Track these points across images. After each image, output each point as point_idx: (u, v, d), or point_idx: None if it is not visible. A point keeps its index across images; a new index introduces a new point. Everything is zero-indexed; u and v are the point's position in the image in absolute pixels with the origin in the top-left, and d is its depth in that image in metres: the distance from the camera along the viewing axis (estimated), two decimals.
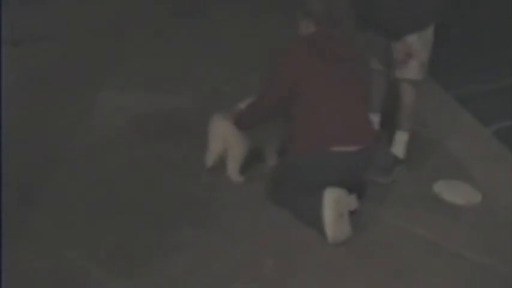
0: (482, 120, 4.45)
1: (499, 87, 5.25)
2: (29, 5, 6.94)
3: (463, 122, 4.43)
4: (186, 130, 4.10)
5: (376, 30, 3.47)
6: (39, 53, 5.73)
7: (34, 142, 3.91)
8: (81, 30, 6.38)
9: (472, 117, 4.51)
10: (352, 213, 3.01)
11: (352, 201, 3.04)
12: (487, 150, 4.04)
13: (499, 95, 5.05)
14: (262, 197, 3.24)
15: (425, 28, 3.45)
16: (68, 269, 2.71)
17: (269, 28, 5.82)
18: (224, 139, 3.35)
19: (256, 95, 3.21)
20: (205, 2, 7.34)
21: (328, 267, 2.78)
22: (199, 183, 3.43)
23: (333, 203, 2.87)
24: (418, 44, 3.44)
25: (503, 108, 4.73)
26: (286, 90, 3.00)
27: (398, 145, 3.62)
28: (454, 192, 3.39)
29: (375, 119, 3.75)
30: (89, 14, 6.97)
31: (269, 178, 3.28)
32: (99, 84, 4.90)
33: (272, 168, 3.43)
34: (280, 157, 3.40)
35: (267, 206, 3.18)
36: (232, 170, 3.39)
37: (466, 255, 2.90)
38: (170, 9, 7.12)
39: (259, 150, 3.52)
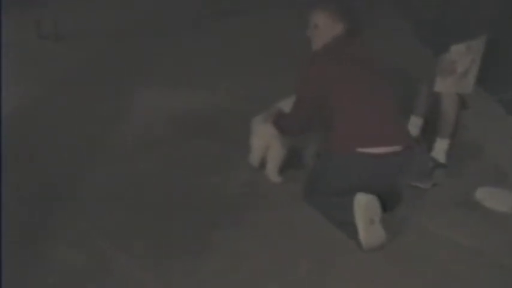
0: None
1: None
2: (73, 1, 7.05)
3: (507, 127, 4.32)
4: (223, 129, 4.11)
5: (424, 38, 3.43)
6: (81, 49, 5.83)
7: (72, 136, 3.97)
8: (122, 29, 6.47)
9: None
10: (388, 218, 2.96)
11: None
12: None
13: None
14: (299, 197, 3.22)
15: (475, 38, 3.37)
16: (103, 262, 2.75)
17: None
18: (265, 140, 3.35)
19: (292, 103, 3.17)
20: (245, 2, 7.35)
21: (363, 272, 2.74)
22: (235, 182, 3.44)
23: (363, 209, 2.84)
24: (465, 55, 3.37)
25: None
26: (316, 100, 2.98)
27: (439, 151, 3.57)
28: (496, 200, 3.31)
29: (418, 122, 3.71)
30: (130, 11, 7.05)
31: (305, 179, 3.26)
32: (138, 81, 4.96)
33: (309, 167, 3.40)
34: (316, 159, 3.38)
35: (304, 207, 3.15)
36: (272, 170, 3.40)
37: (506, 263, 2.82)
38: (209, 8, 7.16)
39: (299, 151, 3.51)
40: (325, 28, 3.08)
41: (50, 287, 2.57)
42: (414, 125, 3.76)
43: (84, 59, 5.56)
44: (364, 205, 2.84)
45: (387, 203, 2.98)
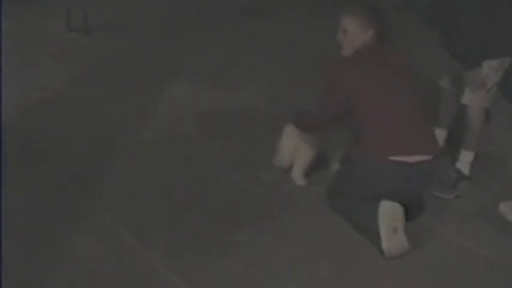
0: None
1: None
2: None
3: None
4: (249, 129, 4.14)
5: (455, 51, 3.43)
6: (109, 42, 5.88)
7: (97, 129, 4.03)
8: (152, 23, 6.51)
9: None
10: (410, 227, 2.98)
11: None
12: None
13: None
14: (323, 201, 3.24)
15: (508, 56, 3.38)
16: (124, 256, 2.79)
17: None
18: (294, 143, 3.38)
19: (315, 105, 3.19)
20: (274, 2, 7.37)
21: (383, 279, 2.76)
22: (259, 183, 3.47)
23: (387, 217, 2.85)
24: (497, 71, 3.38)
25: None
26: (342, 103, 2.99)
27: (463, 163, 3.57)
28: None
29: (441, 134, 3.71)
30: (160, 7, 7.09)
31: (329, 183, 3.29)
32: (166, 77, 4.99)
33: (335, 171, 3.44)
34: (343, 163, 3.40)
35: (327, 210, 3.18)
36: (297, 173, 3.44)
37: None
38: (239, 7, 7.18)
39: (325, 155, 3.54)
40: (354, 34, 3.07)
41: (70, 278, 2.62)
42: (438, 136, 3.77)
43: (113, 52, 5.61)
44: (388, 213, 2.85)
45: (410, 212, 2.99)
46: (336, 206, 3.15)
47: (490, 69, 3.36)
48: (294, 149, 3.40)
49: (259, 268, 2.76)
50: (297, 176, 3.44)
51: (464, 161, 3.56)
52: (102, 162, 3.62)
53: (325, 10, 6.83)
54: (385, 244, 2.84)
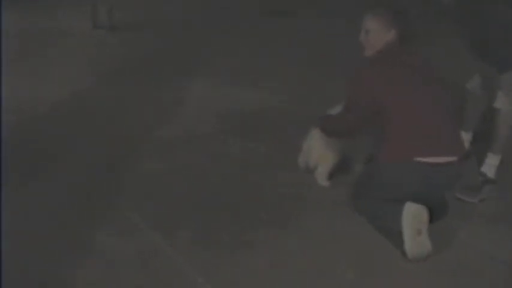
0: None
1: None
2: None
3: None
4: (271, 128, 4.14)
5: (485, 58, 3.41)
6: (135, 40, 5.93)
7: (120, 126, 4.07)
8: (175, 21, 6.55)
9: None
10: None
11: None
12: None
13: None
14: (345, 202, 3.23)
15: None
16: (150, 253, 2.80)
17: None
18: (320, 144, 3.37)
19: (342, 108, 3.17)
20: (296, 2, 7.36)
21: (406, 281, 2.74)
22: (282, 183, 3.46)
23: (412, 219, 2.82)
24: None
25: None
26: (369, 106, 2.96)
27: (489, 167, 3.52)
28: None
29: (467, 137, 3.68)
30: (183, 6, 7.13)
31: (353, 185, 3.27)
32: (188, 76, 5.02)
33: (359, 173, 3.41)
34: (367, 165, 3.39)
35: (349, 212, 3.16)
36: (322, 174, 3.43)
37: None
38: (262, 7, 7.19)
39: (349, 157, 3.53)
40: (376, 34, 3.05)
41: (91, 274, 2.63)
42: (464, 139, 3.73)
43: (137, 50, 5.66)
44: (413, 215, 2.82)
45: (435, 213, 2.96)
46: (359, 207, 3.13)
47: None
48: (319, 149, 3.39)
49: (280, 269, 2.75)
50: (321, 177, 3.43)
51: (491, 164, 3.51)
52: (124, 159, 3.64)
53: (346, 11, 6.83)
54: (408, 246, 2.82)
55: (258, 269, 2.74)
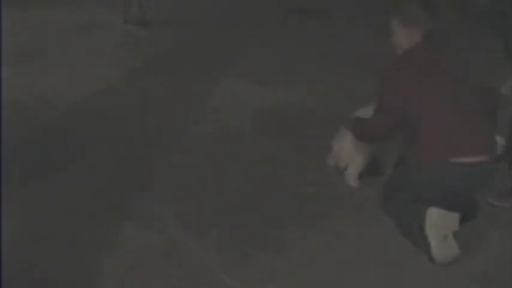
0: None
1: None
2: None
3: None
4: (301, 127, 4.13)
5: None
6: (166, 36, 5.96)
7: (149, 121, 4.09)
8: (207, 19, 6.57)
9: None
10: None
11: (455, 222, 2.91)
12: None
13: None
14: (373, 203, 3.20)
15: None
16: (177, 248, 2.82)
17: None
18: (349, 146, 3.36)
19: (373, 112, 3.12)
20: (331, 1, 7.33)
21: (434, 284, 2.71)
22: (311, 182, 3.45)
23: (435, 224, 2.79)
24: None
25: None
26: (400, 106, 2.92)
27: None
28: None
29: (500, 142, 3.62)
30: (215, 3, 7.14)
31: (382, 186, 3.24)
32: (219, 73, 5.03)
33: (388, 174, 3.39)
34: (396, 167, 3.35)
35: (377, 213, 3.13)
36: (352, 174, 3.41)
37: None
38: (292, 6, 7.17)
39: (379, 158, 3.49)
40: (402, 34, 3.03)
41: (118, 266, 2.65)
42: (498, 143, 3.68)
43: (168, 46, 5.68)
44: (436, 220, 2.79)
45: (465, 215, 2.94)
46: (388, 209, 3.10)
47: None
48: (349, 150, 3.37)
49: (307, 268, 2.74)
50: (351, 177, 3.41)
51: None
52: (153, 154, 3.66)
53: (378, 11, 6.77)
54: (434, 252, 2.79)
55: (285, 268, 2.73)
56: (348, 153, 3.37)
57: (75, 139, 3.77)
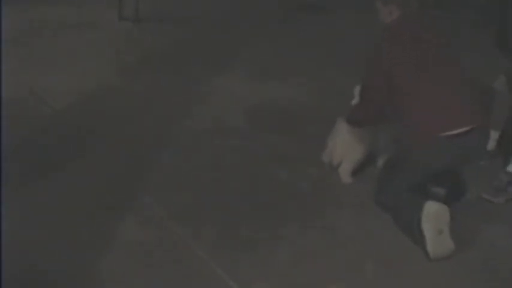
0: None
1: None
2: None
3: None
4: (298, 123, 4.14)
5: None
6: (161, 32, 5.94)
7: (147, 118, 4.10)
8: (204, 14, 6.55)
9: None
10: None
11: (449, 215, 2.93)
12: None
13: None
14: (369, 199, 3.22)
15: None
16: (171, 244, 2.83)
17: None
18: (344, 140, 3.38)
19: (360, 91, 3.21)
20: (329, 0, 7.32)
21: (429, 280, 2.73)
22: (307, 179, 3.48)
23: (432, 219, 2.81)
24: None
25: None
26: (381, 88, 2.98)
27: None
28: None
29: (493, 136, 3.65)
30: (215, 3, 7.11)
31: (377, 179, 3.25)
32: (217, 71, 5.03)
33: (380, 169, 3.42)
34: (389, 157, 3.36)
35: (373, 208, 3.16)
36: (345, 170, 3.43)
37: None
38: (295, 2, 7.15)
39: (373, 154, 3.52)
40: (383, 13, 3.13)
41: (115, 263, 2.67)
42: (491, 138, 3.70)
43: (163, 42, 5.67)
44: (433, 214, 2.81)
45: (456, 192, 3.06)
46: (384, 204, 3.12)
47: None
48: (343, 146, 3.39)
49: (304, 265, 2.76)
50: (345, 173, 3.43)
51: None
52: (150, 151, 3.68)
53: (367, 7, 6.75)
54: (430, 246, 2.81)
55: (281, 265, 2.75)
56: (341, 150, 3.39)
57: (74, 138, 3.78)
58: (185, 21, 6.29)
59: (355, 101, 3.38)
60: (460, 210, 3.03)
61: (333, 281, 2.67)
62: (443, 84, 2.94)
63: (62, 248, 2.74)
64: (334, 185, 3.43)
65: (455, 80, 2.99)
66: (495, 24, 3.77)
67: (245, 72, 5.01)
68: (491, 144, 3.68)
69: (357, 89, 3.37)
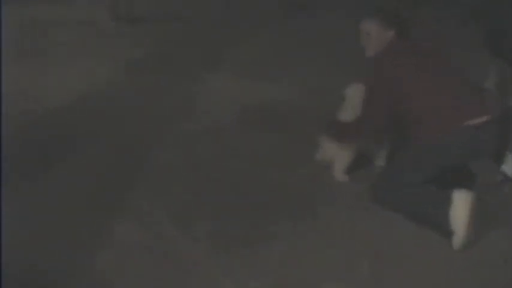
0: None
1: None
2: None
3: None
4: (291, 122, 4.15)
5: (500, 53, 3.39)
6: (155, 32, 5.95)
7: (141, 118, 4.11)
8: (197, 15, 6.56)
9: None
10: None
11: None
12: None
13: None
14: (363, 197, 3.22)
15: None
16: (167, 245, 2.82)
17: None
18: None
19: (361, 112, 3.19)
20: (327, 0, 7.33)
21: (424, 278, 2.73)
22: (301, 177, 3.47)
23: (467, 207, 2.83)
24: None
25: None
26: (389, 96, 3.01)
27: (509, 165, 3.50)
28: None
29: None
30: (209, 2, 7.12)
31: (380, 176, 3.24)
32: (208, 69, 5.04)
33: (382, 167, 3.45)
34: (396, 153, 3.35)
35: (367, 206, 3.16)
36: (339, 168, 3.44)
37: None
38: (287, 1, 7.17)
39: (368, 151, 3.53)
40: (377, 35, 3.18)
41: (109, 264, 2.66)
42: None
43: (158, 42, 5.67)
44: (469, 203, 2.84)
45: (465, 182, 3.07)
46: (390, 201, 3.10)
47: None
48: (336, 144, 3.39)
49: (298, 263, 2.76)
50: (338, 171, 3.44)
51: (511, 162, 3.49)
52: (144, 151, 3.67)
53: (366, 7, 6.76)
54: (461, 235, 2.83)
55: (276, 263, 2.75)
56: (335, 148, 3.40)
57: (70, 138, 3.77)
58: (180, 21, 6.30)
59: (345, 103, 3.37)
60: None
61: (327, 280, 2.68)
62: (452, 85, 3.04)
63: (62, 248, 2.73)
64: (328, 183, 3.43)
65: (461, 81, 3.08)
66: (485, 24, 3.78)
67: (236, 72, 5.02)
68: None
69: (348, 91, 3.37)
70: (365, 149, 3.47)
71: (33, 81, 4.52)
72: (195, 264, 2.70)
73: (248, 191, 3.32)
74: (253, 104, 4.41)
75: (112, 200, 3.14)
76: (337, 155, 3.41)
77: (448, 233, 2.87)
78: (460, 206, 2.83)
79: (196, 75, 4.91)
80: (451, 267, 2.81)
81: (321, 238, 2.95)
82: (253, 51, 5.53)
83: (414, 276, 2.74)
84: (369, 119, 3.14)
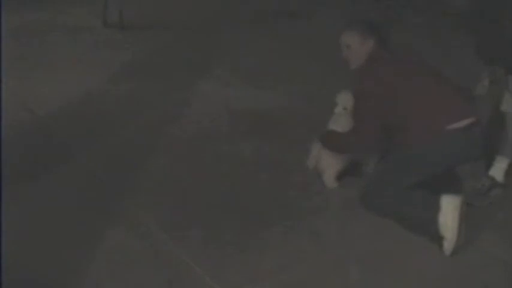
0: None
1: None
2: None
3: None
4: (282, 129, 4.15)
5: (494, 59, 3.42)
6: (146, 39, 5.94)
7: (132, 126, 4.10)
8: (188, 21, 6.56)
9: None
10: None
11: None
12: None
13: None
14: (354, 203, 3.23)
15: None
16: (157, 252, 2.84)
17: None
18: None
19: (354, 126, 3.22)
20: (312, 3, 7.34)
21: (414, 283, 2.76)
22: (291, 184, 3.49)
23: (457, 212, 2.85)
24: None
25: None
26: (382, 109, 3.05)
27: (497, 170, 3.52)
28: None
29: None
30: (195, 6, 7.12)
31: (368, 182, 3.25)
32: (201, 76, 5.04)
33: (371, 173, 3.45)
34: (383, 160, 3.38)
35: (358, 212, 3.17)
36: (329, 175, 3.44)
37: None
38: (276, 8, 7.18)
39: (359, 159, 3.54)
40: (358, 47, 3.24)
41: (100, 270, 2.68)
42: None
43: (148, 49, 5.67)
44: (457, 207, 2.86)
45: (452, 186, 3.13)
46: (379, 207, 3.11)
47: None
48: (326, 152, 3.41)
49: (288, 270, 2.77)
50: (329, 178, 3.44)
51: (500, 167, 3.51)
52: (135, 158, 3.67)
53: (368, 14, 6.81)
54: (451, 240, 2.85)
55: (267, 269, 2.77)
56: (325, 155, 3.41)
57: (60, 144, 3.78)
58: (169, 28, 6.30)
59: (337, 109, 3.40)
60: None
61: (318, 286, 2.69)
62: (438, 90, 3.09)
63: (59, 250, 2.76)
64: (318, 190, 3.44)
65: (446, 85, 3.14)
66: (475, 30, 3.81)
67: (228, 78, 5.02)
68: None
69: (339, 97, 3.40)
70: (355, 156, 3.48)
71: (26, 87, 4.51)
72: (186, 270, 2.72)
73: (239, 197, 3.34)
74: (244, 110, 4.42)
75: (104, 205, 3.16)
76: (328, 163, 3.42)
77: (437, 238, 2.89)
78: (449, 210, 2.85)
79: (187, 81, 4.92)
80: (441, 272, 2.83)
81: (311, 244, 2.97)
82: (244, 57, 5.53)
83: (405, 282, 2.76)
84: (362, 133, 3.16)
